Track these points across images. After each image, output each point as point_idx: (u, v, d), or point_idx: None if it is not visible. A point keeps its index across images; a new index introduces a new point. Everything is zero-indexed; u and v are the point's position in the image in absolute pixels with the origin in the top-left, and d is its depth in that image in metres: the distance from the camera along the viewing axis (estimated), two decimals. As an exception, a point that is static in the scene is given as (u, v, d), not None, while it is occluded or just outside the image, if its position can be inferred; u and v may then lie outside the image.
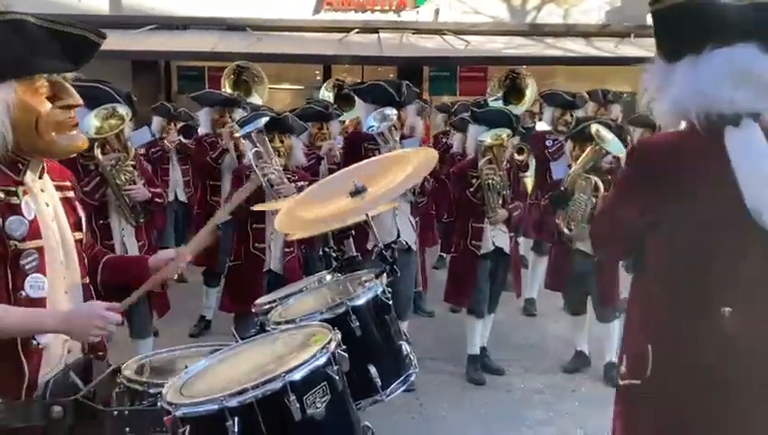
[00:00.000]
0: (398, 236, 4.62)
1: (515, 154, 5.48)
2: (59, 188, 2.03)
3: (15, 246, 1.80)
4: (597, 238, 2.27)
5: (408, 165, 2.10)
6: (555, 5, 13.03)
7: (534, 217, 6.14)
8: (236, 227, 4.45)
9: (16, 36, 1.75)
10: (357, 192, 1.96)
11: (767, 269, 1.78)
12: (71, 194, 2.09)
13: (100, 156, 3.95)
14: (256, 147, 4.31)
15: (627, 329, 2.12)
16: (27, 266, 1.83)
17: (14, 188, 1.83)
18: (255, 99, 8.04)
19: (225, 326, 4.87)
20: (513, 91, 8.36)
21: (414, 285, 5.23)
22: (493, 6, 12.93)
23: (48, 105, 1.82)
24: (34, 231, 1.85)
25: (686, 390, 1.86)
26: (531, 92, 8.27)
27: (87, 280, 2.06)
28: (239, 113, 5.97)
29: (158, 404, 1.66)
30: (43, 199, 1.93)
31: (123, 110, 4.05)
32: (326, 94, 8.39)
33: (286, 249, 4.45)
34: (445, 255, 7.13)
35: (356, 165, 2.31)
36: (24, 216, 1.83)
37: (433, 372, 5.00)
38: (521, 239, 6.22)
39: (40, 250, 1.86)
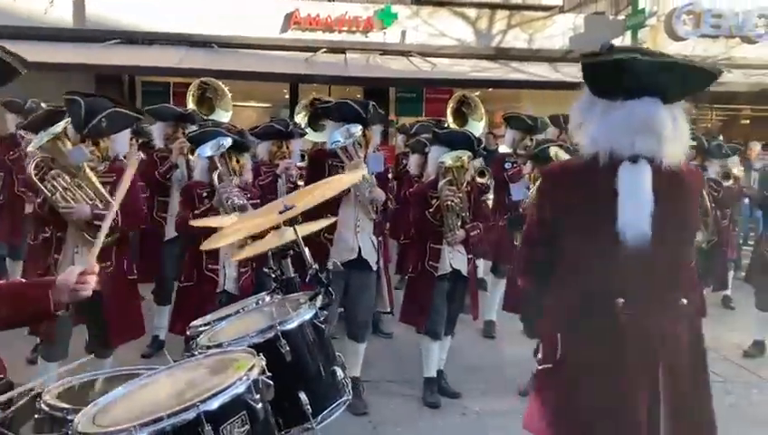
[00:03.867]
0: (360, 254, 4.55)
1: (477, 177, 5.47)
2: None
3: None
4: (520, 271, 2.74)
5: (337, 185, 2.05)
6: (520, 30, 13.24)
7: (493, 239, 6.12)
8: (185, 246, 4.32)
9: None
10: (285, 210, 1.91)
11: (644, 270, 2.19)
12: None
13: (32, 171, 3.82)
14: (218, 168, 4.23)
15: (543, 326, 2.50)
16: None
17: None
18: (219, 115, 7.95)
19: (179, 346, 4.74)
20: (459, 115, 8.38)
21: (375, 307, 5.16)
22: (459, 30, 13.08)
23: None
24: None
25: (586, 369, 2.24)
26: (477, 117, 8.27)
27: None
28: (192, 129, 5.89)
29: (69, 434, 1.57)
30: None
31: (60, 126, 3.90)
32: (301, 113, 8.27)
33: (241, 269, 4.34)
34: (400, 276, 7.08)
35: (290, 194, 2.28)
36: None
37: (389, 394, 4.92)
38: (480, 261, 6.20)
39: None
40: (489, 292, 6.49)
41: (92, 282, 1.92)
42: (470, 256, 4.98)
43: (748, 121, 15.13)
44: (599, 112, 2.24)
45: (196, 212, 4.27)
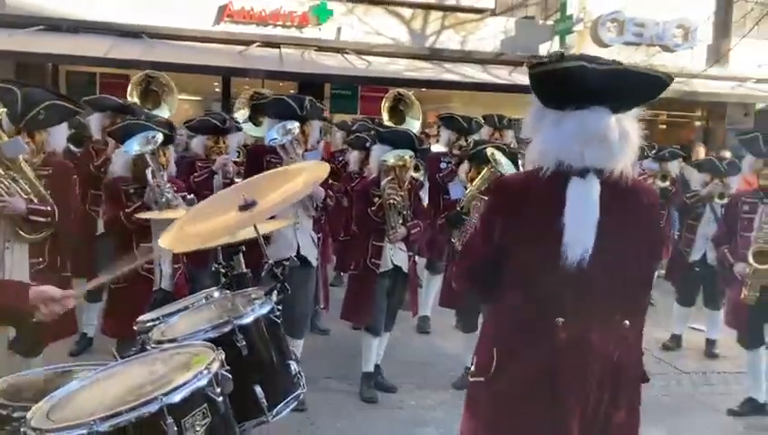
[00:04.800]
0: (299, 251, 4.55)
1: (412, 171, 5.55)
2: None
3: None
4: (458, 276, 2.66)
5: (299, 178, 2.07)
6: (454, 32, 13.46)
7: (428, 236, 6.23)
8: (117, 246, 4.17)
9: None
10: (246, 206, 1.91)
11: (587, 289, 2.12)
12: None
13: None
14: (150, 164, 4.11)
15: (480, 340, 2.44)
16: None
17: None
18: (163, 110, 7.75)
19: (108, 344, 4.61)
20: (396, 113, 8.46)
21: (314, 303, 5.17)
22: (394, 29, 13.18)
23: None
24: None
25: (521, 385, 2.18)
26: (415, 115, 8.36)
27: None
28: None
29: (21, 430, 1.54)
30: None
31: None
32: (241, 111, 8.11)
33: (175, 265, 4.28)
34: (342, 273, 7.11)
35: (246, 180, 2.25)
36: None
37: (326, 390, 4.95)
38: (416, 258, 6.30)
39: None
40: (424, 288, 6.61)
41: (60, 311, 1.92)
42: (410, 253, 5.08)
43: (665, 126, 15.92)
44: (548, 124, 2.16)
45: (127, 211, 4.15)
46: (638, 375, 2.29)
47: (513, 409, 2.20)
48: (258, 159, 4.67)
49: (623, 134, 2.10)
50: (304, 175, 2.09)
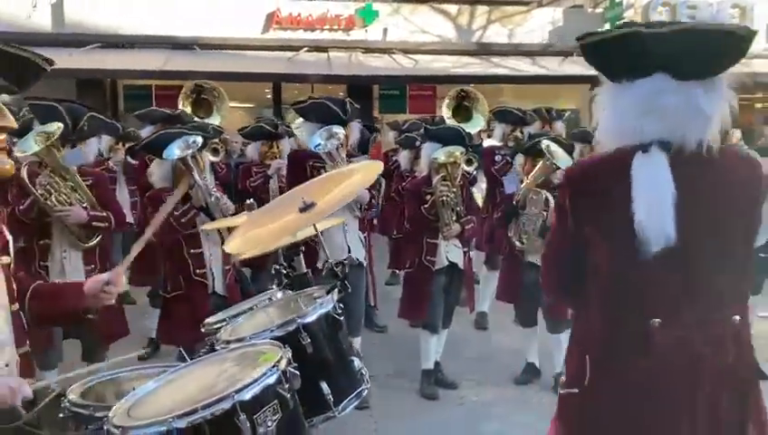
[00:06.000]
0: (349, 252, 4.60)
1: (464, 165, 5.52)
2: None
3: None
4: (550, 289, 2.42)
5: (353, 177, 2.11)
6: (500, 25, 13.35)
7: (486, 231, 6.21)
8: (167, 256, 4.17)
9: None
10: (306, 208, 1.96)
11: (683, 282, 1.87)
12: None
13: (25, 177, 3.81)
14: (193, 168, 4.09)
15: (570, 344, 2.22)
16: None
17: None
18: (215, 118, 7.96)
19: (175, 349, 4.75)
20: (461, 110, 8.47)
21: (365, 301, 5.22)
22: (440, 26, 13.16)
23: None
24: None
25: (619, 398, 1.94)
26: (482, 110, 8.37)
27: (17, 306, 1.97)
28: None
29: (105, 428, 1.62)
30: None
31: (53, 127, 3.90)
32: (293, 113, 8.20)
33: (225, 267, 4.23)
34: (397, 271, 7.15)
35: (302, 185, 2.31)
36: None
37: (386, 387, 4.99)
38: (472, 254, 6.29)
39: None
40: (481, 284, 6.58)
41: (116, 292, 1.99)
42: (465, 250, 5.07)
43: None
44: (608, 99, 1.96)
45: (177, 214, 3.97)
46: (756, 374, 2.01)
47: (611, 427, 1.98)
48: (301, 164, 4.69)
49: (689, 101, 1.84)
50: (358, 174, 2.13)
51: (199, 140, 4.08)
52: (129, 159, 7.08)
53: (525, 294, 4.96)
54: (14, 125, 1.86)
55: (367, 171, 2.14)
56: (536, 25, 13.33)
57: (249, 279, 4.66)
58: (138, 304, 6.32)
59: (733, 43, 1.84)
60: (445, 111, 8.35)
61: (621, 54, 1.90)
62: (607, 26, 13.34)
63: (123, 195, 6.92)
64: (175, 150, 3.98)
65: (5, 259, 1.96)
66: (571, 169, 2.35)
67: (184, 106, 8.01)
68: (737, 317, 1.89)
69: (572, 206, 2.02)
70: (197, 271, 4.08)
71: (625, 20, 13.14)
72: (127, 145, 7.25)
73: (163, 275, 4.32)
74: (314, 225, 2.08)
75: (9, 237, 2.01)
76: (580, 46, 1.98)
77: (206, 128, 4.77)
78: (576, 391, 2.03)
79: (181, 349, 2.23)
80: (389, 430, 4.40)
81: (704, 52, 1.83)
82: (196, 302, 4.09)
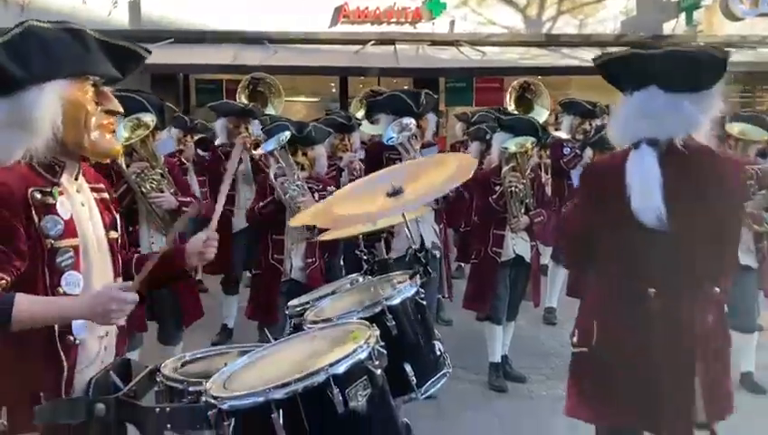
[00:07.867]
0: (423, 243, 4.62)
1: (535, 159, 5.45)
2: (94, 190, 2.10)
3: (51, 244, 1.86)
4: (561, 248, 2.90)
5: (446, 169, 2.13)
6: (571, 16, 13.08)
7: (554, 224, 6.12)
8: (255, 237, 4.54)
9: (74, 41, 1.89)
10: (394, 193, 1.99)
11: (672, 257, 2.26)
12: (106, 195, 2.15)
13: (123, 164, 4.00)
14: (279, 163, 4.30)
15: (580, 311, 2.66)
16: (63, 264, 1.89)
17: (49, 189, 1.89)
18: (269, 111, 8.09)
19: (246, 335, 4.88)
20: (523, 102, 8.37)
21: (437, 293, 5.24)
22: (508, 17, 13.00)
23: (95, 105, 1.90)
24: (70, 230, 1.91)
25: (620, 355, 2.35)
26: (544, 103, 8.25)
27: (120, 281, 2.09)
28: (254, 124, 6.05)
29: (202, 399, 1.69)
30: (79, 200, 2.00)
31: (148, 118, 4.10)
32: (358, 106, 8.29)
33: (308, 259, 4.42)
34: (462, 264, 7.13)
35: (393, 167, 2.35)
36: (59, 215, 1.89)
37: (454, 379, 4.88)
38: (541, 248, 6.21)
39: (75, 248, 1.92)
40: (549, 278, 6.50)
41: (215, 247, 2.08)
42: (533, 243, 5.01)
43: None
44: (617, 107, 2.47)
45: (260, 205, 4.38)
46: (727, 333, 2.45)
47: (614, 379, 2.36)
48: (378, 156, 4.81)
49: (674, 108, 2.26)
50: (452, 167, 2.14)
51: (286, 135, 4.26)
52: (199, 151, 7.28)
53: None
54: (122, 110, 1.98)
55: (461, 166, 2.16)
56: (608, 15, 13.00)
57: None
58: (210, 291, 6.51)
59: (708, 61, 2.28)
60: (509, 103, 8.27)
61: (625, 71, 2.40)
62: (682, 16, 12.92)
63: (194, 186, 7.11)
64: (270, 144, 4.32)
65: (114, 234, 2.08)
66: (587, 168, 3.11)
67: (240, 98, 8.15)
68: (717, 289, 2.33)
69: (588, 195, 2.55)
70: (275, 256, 4.37)
71: (702, 7, 12.69)
72: (196, 137, 7.46)
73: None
74: (404, 215, 2.11)
75: (117, 215, 2.13)
76: (596, 66, 2.46)
77: (302, 125, 4.89)
78: (585, 349, 2.48)
79: (266, 329, 2.30)
80: (458, 421, 4.42)
81: (689, 68, 2.28)
82: (268, 284, 4.38)
